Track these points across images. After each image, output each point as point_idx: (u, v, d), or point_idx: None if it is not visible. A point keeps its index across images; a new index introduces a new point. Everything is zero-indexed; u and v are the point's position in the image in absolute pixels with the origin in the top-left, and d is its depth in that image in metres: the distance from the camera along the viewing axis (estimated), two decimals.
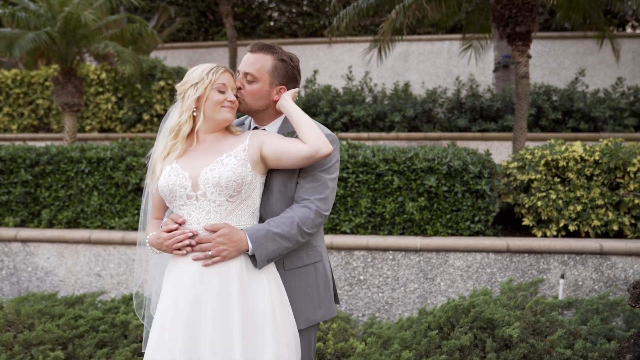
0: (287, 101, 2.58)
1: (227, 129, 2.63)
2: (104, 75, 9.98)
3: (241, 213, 2.49)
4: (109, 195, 6.21)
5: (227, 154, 2.49)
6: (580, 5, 7.62)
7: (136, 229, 6.16)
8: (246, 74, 2.60)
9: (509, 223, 6.31)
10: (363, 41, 11.67)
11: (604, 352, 3.58)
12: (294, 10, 13.58)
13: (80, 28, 7.67)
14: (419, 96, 9.99)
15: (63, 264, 6.01)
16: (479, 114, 9.33)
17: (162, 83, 9.68)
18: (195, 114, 2.53)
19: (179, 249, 2.44)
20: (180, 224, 2.48)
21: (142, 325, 4.13)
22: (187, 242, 2.43)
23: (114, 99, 9.94)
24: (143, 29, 7.72)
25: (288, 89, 2.65)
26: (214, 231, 2.43)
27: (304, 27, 13.52)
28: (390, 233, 5.83)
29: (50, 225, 6.34)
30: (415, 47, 11.92)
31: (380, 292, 5.52)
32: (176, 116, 2.55)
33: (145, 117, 9.75)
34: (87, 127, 10.16)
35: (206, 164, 2.48)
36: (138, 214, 6.14)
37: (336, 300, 2.82)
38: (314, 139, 2.45)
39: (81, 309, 4.46)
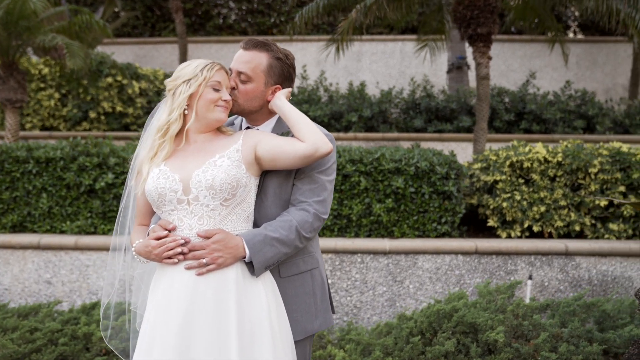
0: (281, 100, 2.42)
1: (218, 129, 2.45)
2: (46, 70, 9.47)
3: (236, 218, 2.32)
4: (59, 198, 5.85)
5: (220, 154, 2.31)
6: (535, 8, 7.73)
7: (90, 233, 5.83)
8: (240, 73, 2.42)
9: (472, 224, 6.31)
10: (316, 40, 11.56)
11: (587, 355, 3.57)
12: (244, 7, 13.31)
13: (24, 19, 7.22)
14: (373, 96, 9.95)
15: (8, 271, 5.62)
16: (434, 114, 9.36)
17: (109, 79, 9.25)
18: (186, 112, 2.33)
19: (170, 258, 2.25)
20: (170, 231, 2.28)
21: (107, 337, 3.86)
22: (178, 249, 2.24)
23: (57, 95, 9.45)
24: (93, 21, 7.34)
25: (283, 89, 2.49)
26: (208, 237, 2.25)
27: (254, 25, 13.27)
28: (356, 235, 5.72)
29: None
30: (368, 47, 11.88)
31: (348, 296, 5.40)
32: (165, 114, 2.34)
33: (92, 114, 9.30)
34: (28, 125, 9.62)
35: (197, 165, 2.29)
36: (92, 217, 5.81)
37: (332, 309, 2.67)
38: (312, 137, 2.30)
39: (37, 320, 4.14)
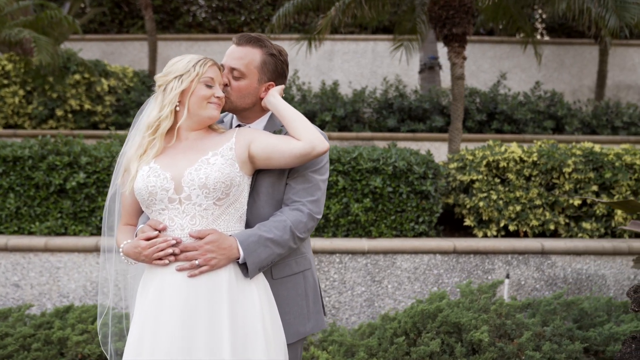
0: (276, 98, 2.36)
1: (210, 127, 2.38)
2: (9, 67, 9.17)
3: (229, 218, 2.25)
4: (28, 198, 5.66)
5: (213, 152, 2.25)
6: (508, 9, 7.81)
7: (60, 234, 5.65)
8: (232, 69, 2.35)
9: (447, 223, 6.33)
10: (288, 39, 11.46)
11: (569, 353, 3.59)
12: (214, 5, 13.14)
13: None
14: (345, 96, 9.92)
15: None
16: (407, 114, 9.38)
17: (77, 76, 9.01)
18: (177, 108, 2.26)
19: (160, 259, 2.17)
20: (160, 231, 2.20)
21: (83, 341, 3.73)
22: (170, 250, 2.16)
23: (21, 92, 9.16)
24: (62, 16, 7.13)
25: (276, 85, 2.43)
26: (201, 238, 2.18)
27: (225, 23, 13.11)
28: (334, 235, 5.68)
29: None
30: (340, 47, 11.87)
31: (327, 297, 5.35)
32: (156, 110, 2.26)
33: (59, 112, 9.05)
34: None
35: (190, 163, 2.22)
36: (62, 217, 5.64)
37: (323, 311, 2.62)
38: (309, 135, 2.25)
39: (7, 325, 3.99)
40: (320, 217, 2.39)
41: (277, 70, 2.41)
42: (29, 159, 5.64)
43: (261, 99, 2.40)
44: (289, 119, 2.30)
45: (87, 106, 9.11)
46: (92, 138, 8.39)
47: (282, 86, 2.45)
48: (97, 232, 5.69)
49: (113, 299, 2.45)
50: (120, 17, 13.21)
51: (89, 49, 11.75)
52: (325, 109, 9.26)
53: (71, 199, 5.65)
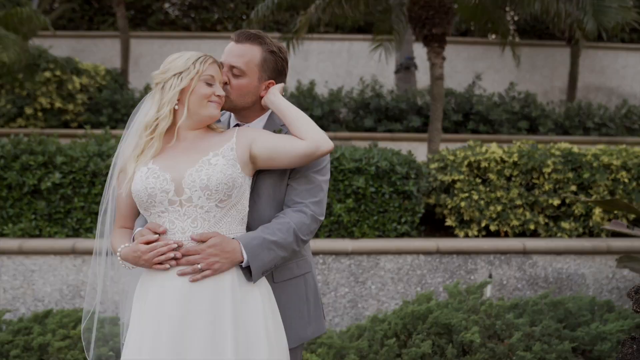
0: (276, 96, 2.30)
1: (209, 126, 2.30)
2: None
3: (231, 220, 2.18)
4: (0, 199, 5.47)
5: (214, 152, 2.17)
6: (486, 11, 7.85)
7: (34, 236, 5.48)
8: (232, 67, 2.29)
9: (428, 223, 6.33)
10: None
11: (559, 353, 3.61)
12: (187, 2, 12.97)
13: None
14: (321, 95, 9.88)
15: None
16: (383, 114, 9.38)
17: (47, 74, 8.78)
18: (177, 107, 2.17)
19: (161, 263, 2.09)
20: (160, 234, 2.12)
21: (65, 347, 3.61)
22: (171, 254, 2.08)
23: None
24: (32, 13, 6.91)
25: (276, 84, 2.37)
26: (203, 241, 2.11)
27: (198, 21, 12.95)
28: (316, 236, 5.63)
29: None
30: (316, 46, 11.80)
31: None
32: (154, 109, 2.18)
33: (28, 111, 8.80)
34: None
35: (190, 164, 2.14)
36: (36, 219, 5.47)
37: (323, 314, 2.57)
38: (313, 134, 2.20)
39: None
40: (322, 218, 2.34)
41: (277, 67, 2.35)
42: (1, 158, 5.46)
43: (261, 97, 2.34)
44: (291, 118, 2.24)
45: (58, 104, 8.88)
46: (65, 137, 8.18)
47: (283, 84, 2.39)
48: (74, 233, 5.54)
49: (91, 302, 2.35)
50: (90, 13, 12.94)
51: (58, 46, 11.45)
52: (302, 109, 9.20)
53: (46, 200, 5.49)
